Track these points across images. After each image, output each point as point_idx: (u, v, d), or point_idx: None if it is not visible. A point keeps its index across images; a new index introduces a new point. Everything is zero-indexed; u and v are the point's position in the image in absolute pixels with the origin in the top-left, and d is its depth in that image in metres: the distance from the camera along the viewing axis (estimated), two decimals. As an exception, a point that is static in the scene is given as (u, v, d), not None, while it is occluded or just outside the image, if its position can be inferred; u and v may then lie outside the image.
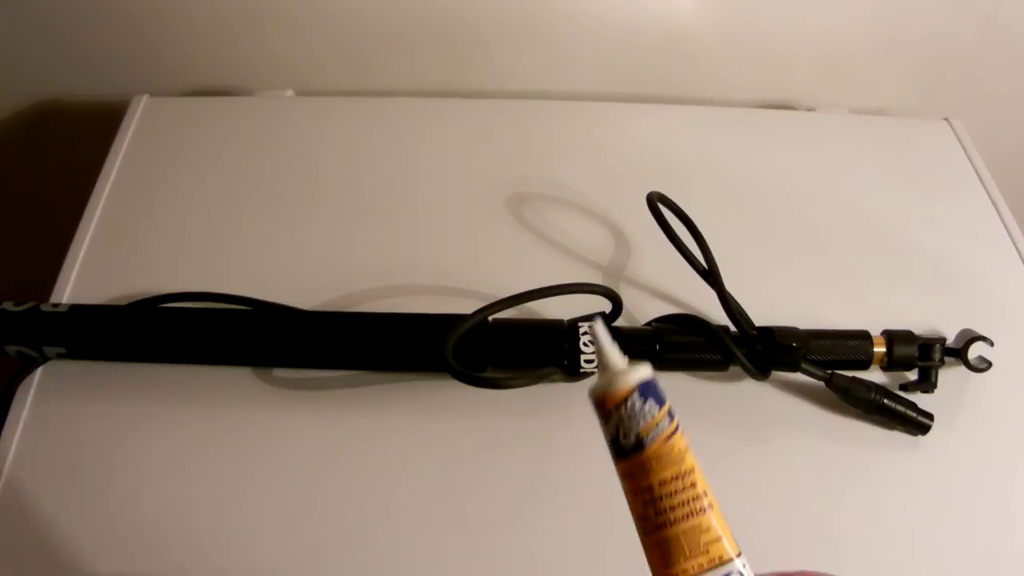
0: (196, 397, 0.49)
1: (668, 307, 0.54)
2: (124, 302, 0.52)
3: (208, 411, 0.48)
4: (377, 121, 0.66)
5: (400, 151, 0.64)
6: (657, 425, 0.28)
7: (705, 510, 0.28)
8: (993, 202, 0.63)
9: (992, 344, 0.51)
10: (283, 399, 0.50)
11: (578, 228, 0.59)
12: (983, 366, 0.51)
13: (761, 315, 0.51)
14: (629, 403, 0.28)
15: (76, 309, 0.50)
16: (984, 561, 0.45)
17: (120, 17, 0.67)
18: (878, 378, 0.50)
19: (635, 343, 0.49)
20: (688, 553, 0.28)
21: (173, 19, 0.67)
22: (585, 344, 0.48)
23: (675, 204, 0.53)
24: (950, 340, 0.52)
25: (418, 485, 0.46)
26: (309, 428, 0.48)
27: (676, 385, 0.50)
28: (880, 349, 0.50)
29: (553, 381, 0.50)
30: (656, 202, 0.52)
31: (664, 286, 0.56)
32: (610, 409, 0.28)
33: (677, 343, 0.50)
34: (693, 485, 0.28)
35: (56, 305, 0.50)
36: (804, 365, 0.49)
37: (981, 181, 0.64)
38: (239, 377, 0.50)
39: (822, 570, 0.29)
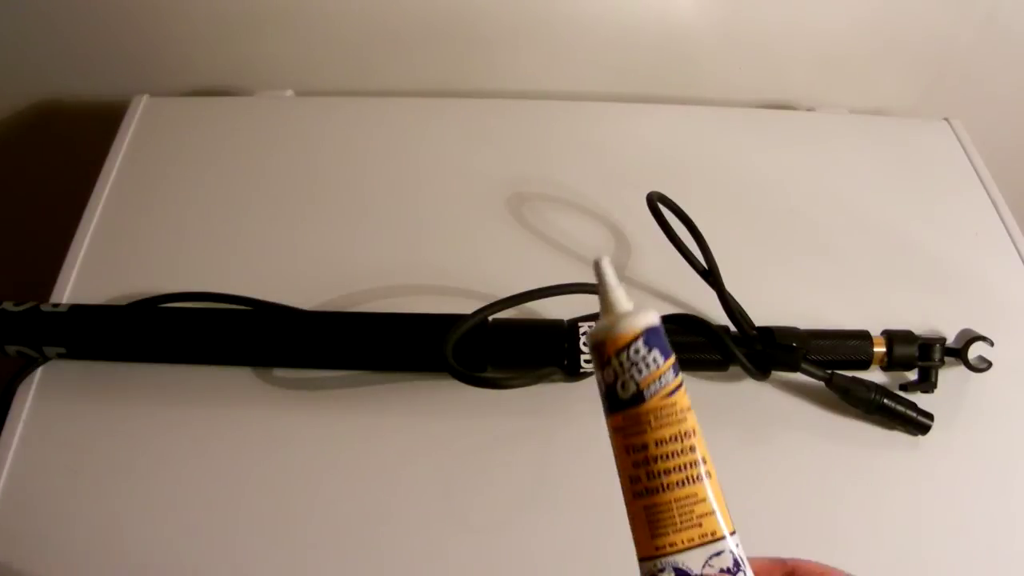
0: (196, 397, 0.49)
1: (668, 307, 0.54)
2: (124, 302, 0.52)
3: (208, 411, 0.48)
4: (377, 121, 0.66)
5: (400, 151, 0.64)
6: (660, 378, 0.25)
7: (702, 478, 0.25)
8: (993, 202, 0.63)
9: (992, 344, 0.51)
10: (283, 399, 0.50)
11: (578, 228, 0.59)
12: (983, 366, 0.51)
13: (761, 315, 0.51)
14: (632, 350, 0.25)
15: (76, 309, 0.50)
16: (984, 561, 0.45)
17: (120, 17, 0.67)
18: (878, 378, 0.50)
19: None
20: (679, 524, 0.25)
21: (173, 19, 0.67)
22: (585, 344, 0.48)
23: (675, 204, 0.53)
24: (950, 340, 0.52)
25: (418, 485, 0.46)
26: (309, 428, 0.48)
27: (676, 385, 0.50)
28: (880, 349, 0.50)
29: (553, 381, 0.50)
30: (656, 202, 0.52)
31: (664, 286, 0.56)
32: (609, 355, 0.26)
33: (677, 343, 0.49)
34: (692, 449, 0.25)
35: (56, 305, 0.50)
36: (804, 365, 0.49)
37: (981, 181, 0.64)
38: (239, 377, 0.50)
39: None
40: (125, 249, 0.56)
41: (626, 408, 0.25)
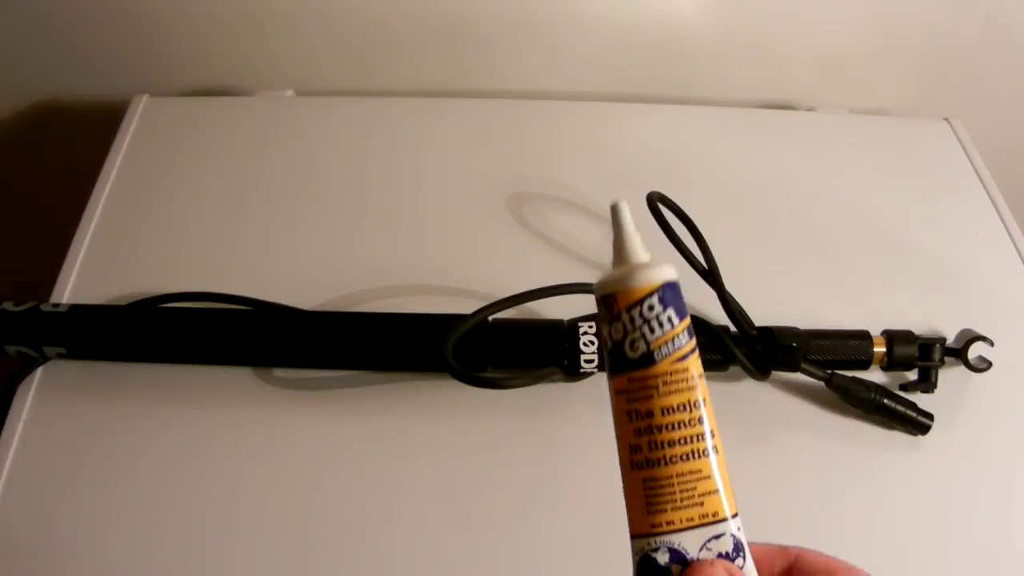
0: (196, 397, 0.49)
1: (668, 307, 0.54)
2: (124, 302, 0.52)
3: (208, 411, 0.48)
4: (377, 121, 0.66)
5: (400, 151, 0.64)
6: (674, 340, 0.23)
7: (709, 453, 0.23)
8: (993, 202, 0.63)
9: (992, 344, 0.51)
10: (283, 399, 0.50)
11: (578, 228, 0.59)
12: (983, 366, 0.51)
13: (761, 315, 0.51)
14: (645, 305, 0.23)
15: (76, 309, 0.50)
16: (984, 561, 0.45)
17: (120, 17, 0.67)
18: (878, 378, 0.50)
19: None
20: (678, 501, 0.23)
21: (173, 19, 0.67)
22: (585, 344, 0.48)
23: (675, 204, 0.53)
24: (950, 340, 0.52)
25: (418, 485, 0.46)
26: (309, 428, 0.48)
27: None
28: (880, 349, 0.50)
29: (553, 381, 0.50)
30: (656, 202, 0.52)
31: (664, 286, 0.55)
32: (620, 310, 0.23)
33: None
34: (700, 421, 0.23)
35: (56, 305, 0.50)
36: (804, 365, 0.49)
37: (981, 181, 0.64)
38: (239, 377, 0.50)
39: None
40: (125, 249, 0.56)
41: (633, 369, 0.23)
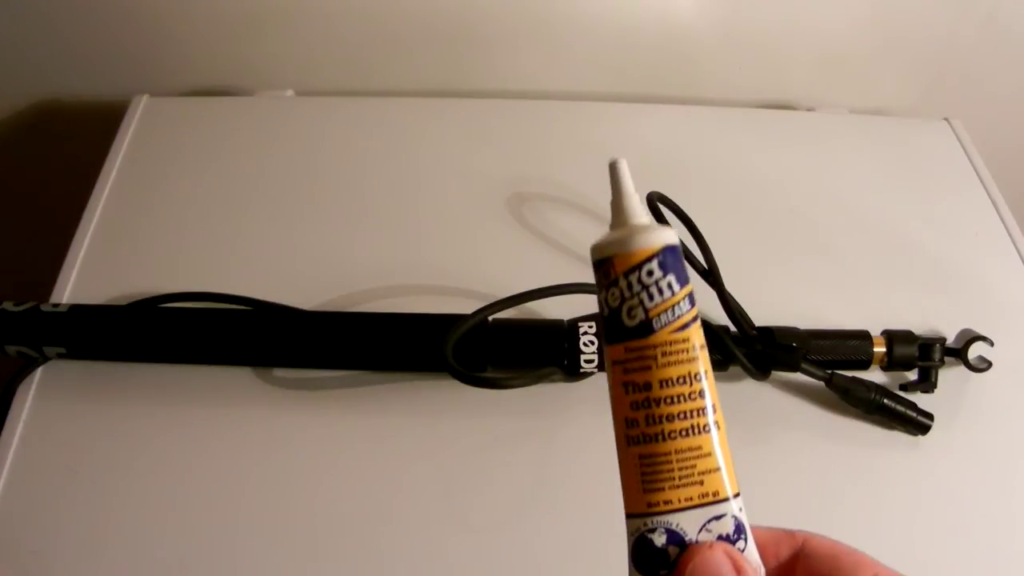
0: (196, 397, 0.49)
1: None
2: (124, 302, 0.52)
3: (208, 411, 0.48)
4: (377, 121, 0.66)
5: (400, 151, 0.64)
6: (674, 307, 0.22)
7: (710, 428, 0.22)
8: (993, 202, 0.63)
9: (992, 344, 0.51)
10: (283, 399, 0.50)
11: (578, 228, 0.59)
12: (983, 366, 0.51)
13: (761, 315, 0.51)
14: (644, 270, 0.22)
15: (76, 309, 0.50)
16: (984, 561, 0.45)
17: (120, 17, 0.67)
18: (878, 378, 0.50)
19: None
20: (677, 479, 0.22)
21: (173, 19, 0.67)
22: (585, 344, 0.48)
23: (675, 204, 0.53)
24: (950, 340, 0.52)
25: (418, 485, 0.46)
26: (309, 428, 0.48)
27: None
28: (880, 349, 0.50)
29: (553, 381, 0.50)
30: (656, 202, 0.52)
31: (664, 286, 0.55)
32: (617, 274, 0.22)
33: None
34: (701, 394, 0.22)
35: (56, 305, 0.50)
36: (804, 365, 0.49)
37: (981, 181, 0.64)
38: (239, 377, 0.50)
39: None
40: (125, 249, 0.56)
41: (630, 338, 0.22)
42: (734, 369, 0.49)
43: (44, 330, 0.49)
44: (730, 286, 0.51)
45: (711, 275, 0.51)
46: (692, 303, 0.23)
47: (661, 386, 0.22)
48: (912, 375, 0.51)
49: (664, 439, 0.22)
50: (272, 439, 0.47)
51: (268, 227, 0.58)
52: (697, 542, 0.23)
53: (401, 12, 0.67)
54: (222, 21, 0.67)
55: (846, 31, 0.69)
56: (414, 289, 0.55)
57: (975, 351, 0.51)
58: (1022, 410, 0.51)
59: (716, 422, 0.23)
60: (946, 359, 0.51)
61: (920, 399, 0.49)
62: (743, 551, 0.23)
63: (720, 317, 0.51)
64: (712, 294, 0.51)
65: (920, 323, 0.53)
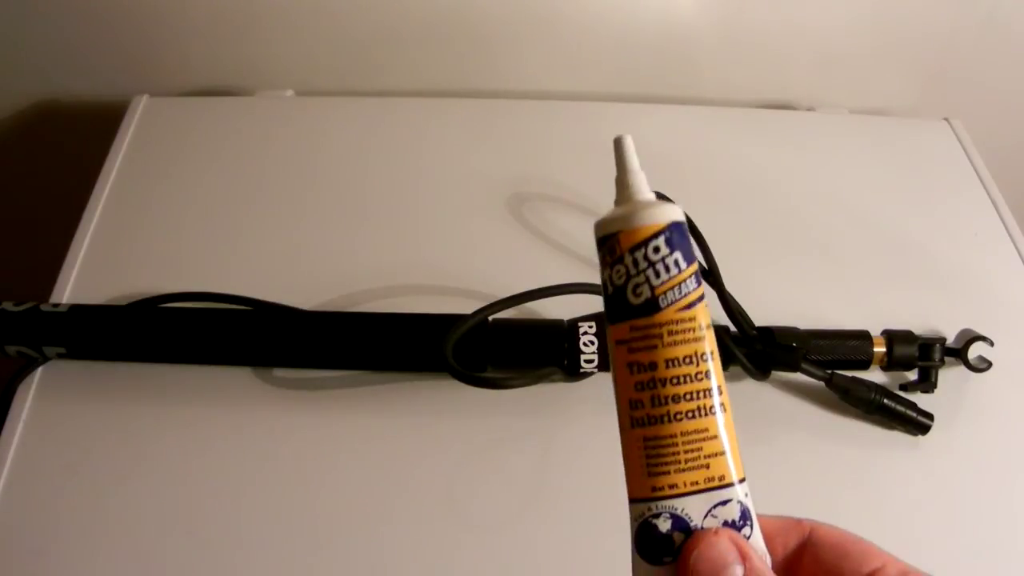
0: (196, 397, 0.49)
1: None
2: (124, 302, 0.52)
3: (208, 411, 0.48)
4: (377, 121, 0.66)
5: (400, 151, 0.64)
6: (681, 285, 0.22)
7: (716, 410, 0.22)
8: (993, 202, 0.63)
9: (992, 344, 0.51)
10: (283, 399, 0.50)
11: (578, 228, 0.59)
12: (983, 366, 0.51)
13: (761, 315, 0.51)
14: (650, 247, 0.22)
15: (76, 309, 0.50)
16: (984, 561, 0.45)
17: (120, 17, 0.67)
18: (878, 378, 0.50)
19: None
20: (683, 462, 0.21)
21: (173, 19, 0.67)
22: (585, 344, 0.48)
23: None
24: (950, 340, 0.52)
25: (418, 485, 0.46)
26: (309, 428, 0.48)
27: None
28: (880, 349, 0.50)
29: (553, 381, 0.50)
30: (656, 202, 0.52)
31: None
32: (622, 251, 0.22)
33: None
34: (708, 375, 0.22)
35: (56, 305, 0.50)
36: (804, 365, 0.49)
37: (981, 181, 0.64)
38: (239, 377, 0.50)
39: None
40: (125, 249, 0.56)
41: (635, 317, 0.22)
42: (734, 369, 0.49)
43: (44, 330, 0.49)
44: (730, 286, 0.51)
45: (711, 275, 0.51)
46: (699, 281, 0.22)
47: (667, 366, 0.21)
48: (912, 375, 0.51)
49: (670, 420, 0.22)
50: (272, 439, 0.47)
51: (268, 227, 0.58)
52: (702, 528, 0.22)
53: (401, 12, 0.67)
54: (222, 21, 0.67)
55: (846, 31, 0.69)
56: (414, 289, 0.55)
57: (975, 351, 0.51)
58: (1022, 410, 0.51)
59: (722, 404, 0.22)
60: (946, 359, 0.51)
61: (920, 399, 0.49)
62: (748, 538, 0.23)
63: (720, 317, 0.51)
64: (712, 294, 0.51)
65: (920, 323, 0.53)
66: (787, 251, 0.59)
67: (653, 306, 0.22)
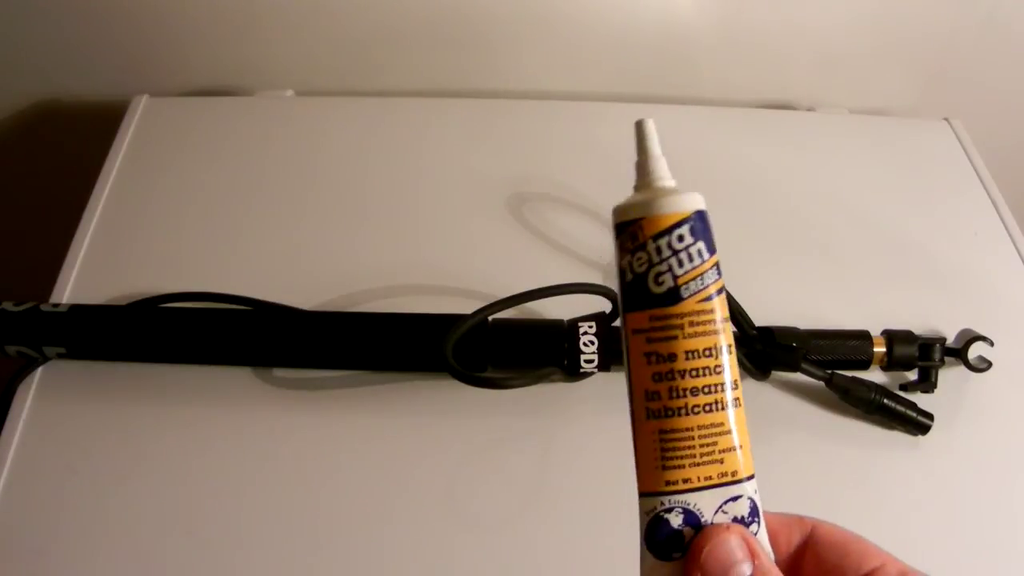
0: (196, 397, 0.49)
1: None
2: (124, 302, 0.52)
3: (208, 411, 0.48)
4: (377, 121, 0.66)
5: (400, 151, 0.64)
6: (703, 276, 0.21)
7: (731, 405, 0.22)
8: (993, 202, 0.63)
9: (992, 344, 0.51)
10: (283, 399, 0.50)
11: (578, 228, 0.59)
12: (983, 366, 0.51)
13: (761, 315, 0.51)
14: (675, 235, 0.21)
15: (76, 309, 0.50)
16: (984, 561, 0.45)
17: (120, 17, 0.67)
18: (878, 378, 0.50)
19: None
20: (698, 456, 0.21)
21: (173, 19, 0.67)
22: (585, 344, 0.48)
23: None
24: (950, 340, 0.52)
25: (418, 485, 0.46)
26: (309, 428, 0.48)
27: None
28: (880, 349, 0.50)
29: (553, 381, 0.50)
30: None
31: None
32: (646, 238, 0.21)
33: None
34: (725, 369, 0.22)
35: (56, 305, 0.50)
36: (804, 365, 0.49)
37: (981, 181, 0.64)
38: (239, 377, 0.50)
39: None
40: (125, 249, 0.56)
41: (656, 306, 0.21)
42: (734, 369, 0.49)
43: (44, 330, 0.49)
44: (730, 286, 0.50)
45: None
46: (719, 273, 0.22)
47: (686, 357, 0.21)
48: (912, 375, 0.51)
49: (687, 413, 0.21)
50: (272, 439, 0.47)
51: (268, 227, 0.58)
52: (712, 524, 0.22)
53: (401, 12, 0.67)
54: (222, 21, 0.67)
55: (846, 31, 0.69)
56: (414, 289, 0.55)
57: (975, 351, 0.51)
58: (1022, 410, 0.51)
59: (737, 399, 0.22)
60: (946, 359, 0.51)
61: (920, 399, 0.49)
62: (755, 535, 0.23)
63: (720, 317, 0.51)
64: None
65: (920, 323, 0.53)
66: (787, 251, 0.59)
67: (675, 296, 0.21)
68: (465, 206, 0.60)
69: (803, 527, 0.25)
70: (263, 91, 0.71)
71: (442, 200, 0.61)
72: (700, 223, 0.22)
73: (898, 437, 0.49)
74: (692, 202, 0.22)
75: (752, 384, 0.51)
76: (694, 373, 0.21)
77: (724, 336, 0.22)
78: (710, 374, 0.21)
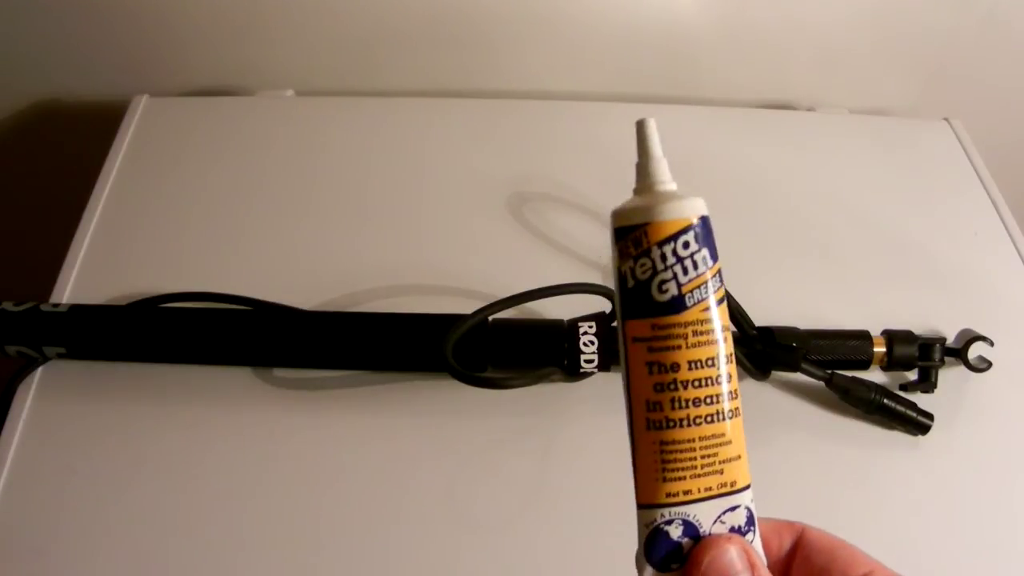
0: (196, 397, 0.49)
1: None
2: (124, 302, 0.52)
3: (208, 411, 0.48)
4: (378, 121, 0.66)
5: (401, 151, 0.64)
6: (707, 283, 0.21)
7: (732, 415, 0.21)
8: (993, 202, 0.63)
9: (992, 344, 0.51)
10: (283, 399, 0.50)
11: (578, 228, 0.59)
12: (983, 366, 0.51)
13: (761, 315, 0.51)
14: (680, 242, 0.20)
15: (76, 309, 0.50)
16: (984, 561, 0.45)
17: (120, 17, 0.67)
18: (878, 378, 0.50)
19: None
20: (699, 468, 0.21)
21: (173, 19, 0.67)
22: (585, 344, 0.48)
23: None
24: (950, 340, 0.52)
25: (418, 485, 0.46)
26: (309, 428, 0.48)
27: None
28: (880, 349, 0.50)
29: (553, 381, 0.50)
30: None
31: (664, 286, 0.55)
32: (650, 244, 0.20)
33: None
34: (727, 379, 0.21)
35: (56, 305, 0.50)
36: (804, 365, 0.49)
37: (981, 181, 0.64)
38: (239, 377, 0.50)
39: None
40: (125, 249, 0.56)
41: (659, 315, 0.20)
42: (734, 369, 0.49)
43: (44, 330, 0.49)
44: (730, 286, 0.50)
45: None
46: (721, 280, 0.21)
47: (690, 368, 0.21)
48: (912, 375, 0.51)
49: (689, 424, 0.21)
50: (272, 439, 0.47)
51: (268, 227, 0.58)
52: (711, 534, 0.22)
53: (403, 11, 0.67)
54: (222, 21, 0.67)
55: (846, 30, 0.69)
56: (414, 289, 0.55)
57: (975, 351, 0.51)
58: (1022, 410, 0.51)
59: (737, 408, 0.22)
60: (946, 359, 0.51)
61: (920, 399, 0.49)
62: (751, 543, 0.23)
63: (720, 317, 0.51)
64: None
65: (920, 323, 0.53)
66: (787, 251, 0.59)
67: (679, 304, 0.21)
68: (466, 206, 0.60)
69: (793, 531, 0.26)
70: (263, 91, 0.71)
71: (442, 200, 0.61)
72: (704, 229, 0.21)
73: (898, 437, 0.49)
74: (696, 207, 0.21)
75: (752, 384, 0.51)
76: (696, 383, 0.21)
77: (725, 345, 0.21)
78: (712, 384, 0.21)
